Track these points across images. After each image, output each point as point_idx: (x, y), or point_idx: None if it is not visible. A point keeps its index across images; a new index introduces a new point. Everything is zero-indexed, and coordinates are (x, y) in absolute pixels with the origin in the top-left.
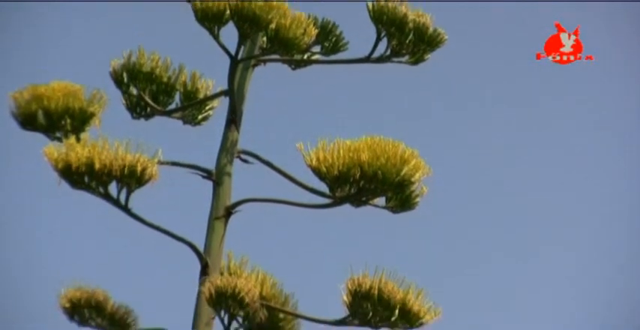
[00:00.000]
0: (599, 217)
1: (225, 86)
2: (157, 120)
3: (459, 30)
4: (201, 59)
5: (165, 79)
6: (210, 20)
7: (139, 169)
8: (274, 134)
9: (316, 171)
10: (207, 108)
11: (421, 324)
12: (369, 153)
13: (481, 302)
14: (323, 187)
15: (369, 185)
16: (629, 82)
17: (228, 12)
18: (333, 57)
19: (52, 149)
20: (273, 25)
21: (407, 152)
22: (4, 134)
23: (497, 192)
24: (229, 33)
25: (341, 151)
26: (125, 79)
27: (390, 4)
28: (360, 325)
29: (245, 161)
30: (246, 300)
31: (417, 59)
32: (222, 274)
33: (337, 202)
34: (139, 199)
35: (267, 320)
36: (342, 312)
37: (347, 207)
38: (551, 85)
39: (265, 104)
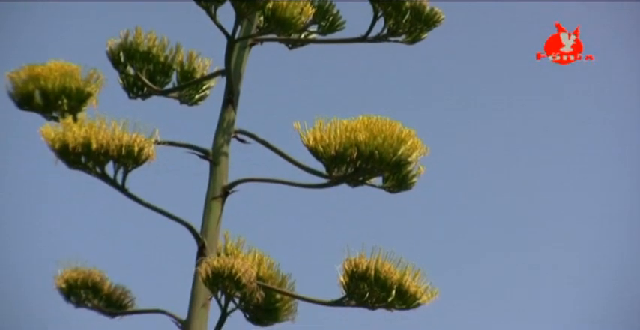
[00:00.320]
0: (599, 216)
1: (222, 66)
2: (154, 100)
3: (459, 30)
4: (198, 39)
5: (162, 59)
6: (207, 0)
7: (136, 149)
8: (271, 114)
9: (313, 151)
10: (204, 88)
11: (418, 304)
12: (366, 133)
13: (473, 295)
14: (320, 167)
15: (365, 165)
16: (629, 82)
17: None
18: (329, 36)
19: (49, 129)
20: (270, 5)
21: (404, 132)
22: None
23: (497, 192)
24: (226, 13)
25: (338, 131)
26: (122, 59)
27: None
28: (357, 305)
29: (242, 141)
30: (243, 280)
31: (413, 39)
32: (219, 254)
33: (334, 182)
34: (135, 179)
35: (263, 301)
36: (339, 292)
37: (344, 187)
38: (551, 85)
39: (262, 84)
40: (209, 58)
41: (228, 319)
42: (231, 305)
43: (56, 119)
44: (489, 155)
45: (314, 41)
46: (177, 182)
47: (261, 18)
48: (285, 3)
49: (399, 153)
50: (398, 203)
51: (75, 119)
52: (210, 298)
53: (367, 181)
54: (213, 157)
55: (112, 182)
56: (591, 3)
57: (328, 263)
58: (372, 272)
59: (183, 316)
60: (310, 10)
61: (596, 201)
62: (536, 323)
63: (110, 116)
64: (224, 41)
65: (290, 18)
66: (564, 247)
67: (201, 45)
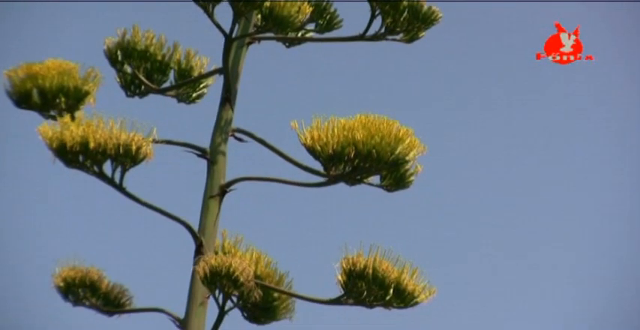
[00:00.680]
0: (599, 216)
1: (219, 64)
2: (152, 98)
3: (458, 29)
4: (195, 37)
5: (159, 57)
6: None
7: (133, 147)
8: (269, 112)
9: (311, 150)
10: (201, 86)
11: (416, 303)
12: (363, 131)
13: (471, 294)
14: (317, 166)
15: (363, 164)
16: (629, 82)
17: None
18: (327, 35)
19: (47, 128)
20: (267, 3)
21: (401, 131)
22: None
23: (496, 191)
24: (224, 11)
25: (335, 130)
26: (119, 57)
27: None
28: (355, 304)
29: (239, 140)
30: (241, 279)
31: (411, 37)
32: (216, 253)
33: (332, 180)
34: (133, 178)
35: (261, 299)
36: (337, 291)
37: (341, 185)
38: (551, 85)
39: (260, 82)
40: (206, 57)
41: (226, 317)
42: (229, 304)
43: (54, 118)
44: (488, 155)
45: (311, 40)
46: (175, 181)
47: (259, 16)
48: (282, 2)
49: (397, 152)
50: (395, 202)
51: (72, 118)
52: (208, 297)
53: (365, 180)
54: (211, 156)
55: (110, 181)
56: (591, 3)
57: (326, 262)
58: (370, 271)
59: (181, 314)
60: (308, 9)
61: (596, 201)
62: (536, 323)
63: (108, 115)
64: (222, 40)
65: (287, 16)
66: (564, 247)
67: (198, 43)
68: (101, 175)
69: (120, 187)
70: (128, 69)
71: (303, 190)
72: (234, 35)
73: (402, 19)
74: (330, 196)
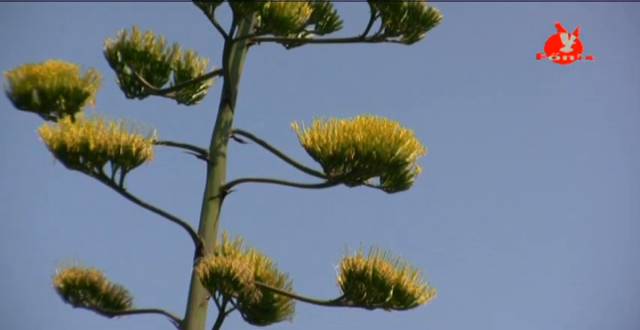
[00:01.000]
0: (599, 216)
1: (219, 66)
2: (151, 99)
3: (458, 30)
4: (195, 39)
5: (159, 59)
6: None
7: (133, 149)
8: (269, 114)
9: (311, 151)
10: (201, 87)
11: (416, 304)
12: (363, 133)
13: (471, 295)
14: (317, 167)
15: (363, 165)
16: (629, 82)
17: None
18: (327, 36)
19: (47, 129)
20: (267, 4)
21: (401, 132)
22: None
23: (495, 191)
24: (224, 12)
25: (335, 131)
26: (119, 59)
27: None
28: (355, 305)
29: (239, 141)
30: (241, 281)
31: (411, 38)
32: (216, 254)
33: (332, 181)
34: (133, 179)
35: (261, 301)
36: (337, 292)
37: (341, 187)
38: (551, 85)
39: (260, 84)
40: (206, 58)
41: (226, 319)
42: (229, 305)
43: (54, 119)
44: (488, 155)
45: (311, 41)
46: (175, 182)
47: (259, 18)
48: (282, 3)
49: (397, 153)
50: (395, 203)
51: (72, 119)
52: (208, 298)
53: (365, 181)
54: (211, 157)
55: (110, 182)
56: (591, 3)
57: (326, 263)
58: (370, 272)
59: (181, 316)
60: (308, 10)
61: (596, 201)
62: (536, 323)
63: (108, 116)
64: (222, 41)
65: (287, 18)
66: (564, 246)
67: (198, 45)
68: (101, 177)
69: (120, 189)
70: (128, 70)
71: (303, 192)
72: (234, 36)
73: (402, 20)
74: (330, 197)
